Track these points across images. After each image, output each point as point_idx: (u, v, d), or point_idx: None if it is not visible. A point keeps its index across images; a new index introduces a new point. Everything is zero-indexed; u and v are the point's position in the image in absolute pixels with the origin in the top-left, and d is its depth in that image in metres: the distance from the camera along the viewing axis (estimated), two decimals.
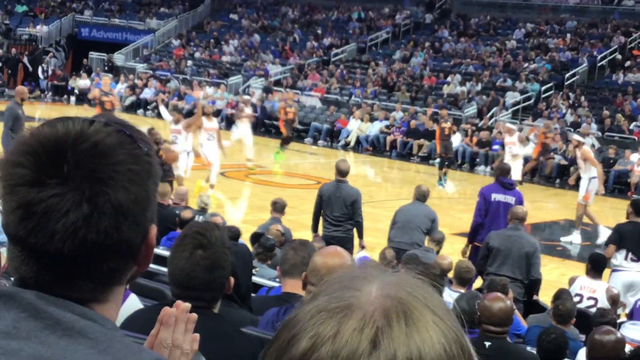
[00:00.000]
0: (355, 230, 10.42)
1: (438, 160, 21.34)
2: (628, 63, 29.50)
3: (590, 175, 15.42)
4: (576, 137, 16.88)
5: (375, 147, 26.75)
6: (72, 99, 32.96)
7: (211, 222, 3.34)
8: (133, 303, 3.38)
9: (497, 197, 10.71)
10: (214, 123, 16.52)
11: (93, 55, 36.34)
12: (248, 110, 21.32)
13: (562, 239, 13.39)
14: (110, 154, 1.22)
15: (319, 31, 36.09)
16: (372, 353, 0.88)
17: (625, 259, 10.01)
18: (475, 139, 25.21)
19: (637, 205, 10.44)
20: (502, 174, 11.03)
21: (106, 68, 35.29)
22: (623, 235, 10.05)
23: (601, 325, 5.80)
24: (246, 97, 20.81)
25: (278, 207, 10.55)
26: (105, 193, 1.20)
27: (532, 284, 9.00)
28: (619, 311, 8.73)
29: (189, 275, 2.75)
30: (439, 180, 20.30)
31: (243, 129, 20.49)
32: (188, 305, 1.79)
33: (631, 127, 24.75)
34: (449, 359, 0.89)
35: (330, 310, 0.92)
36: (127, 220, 1.23)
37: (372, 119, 27.38)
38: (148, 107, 31.20)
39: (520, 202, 10.60)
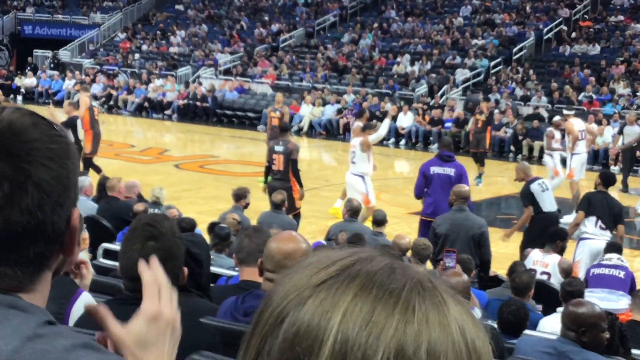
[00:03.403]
0: None
1: (471, 155, 19.11)
2: (574, 35, 29.85)
3: (574, 151, 15.59)
4: (565, 112, 17.06)
5: (328, 131, 26.75)
6: (19, 98, 32.44)
7: (160, 213, 3.29)
8: (87, 300, 3.32)
9: (435, 169, 10.84)
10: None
11: (38, 52, 35.77)
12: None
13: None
14: (26, 132, 1.21)
15: (266, 18, 35.93)
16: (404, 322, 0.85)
17: (595, 226, 10.12)
18: (427, 118, 25.34)
19: (606, 177, 10.63)
20: (442, 146, 11.21)
21: (52, 65, 34.78)
22: (592, 202, 10.18)
23: (575, 298, 5.87)
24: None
25: (234, 196, 10.50)
26: (24, 170, 1.19)
27: (483, 265, 9.07)
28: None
29: None
30: (478, 177, 17.98)
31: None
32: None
33: (580, 97, 25.06)
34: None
35: (333, 280, 0.87)
36: (50, 199, 1.21)
37: (324, 103, 27.37)
38: (97, 102, 30.80)
39: (461, 174, 10.67)
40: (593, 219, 10.12)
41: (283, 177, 12.25)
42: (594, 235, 10.10)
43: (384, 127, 13.55)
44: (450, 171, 10.75)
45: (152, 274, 1.50)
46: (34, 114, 1.27)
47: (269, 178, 12.48)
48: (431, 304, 0.86)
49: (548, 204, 10.58)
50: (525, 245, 10.20)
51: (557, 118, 16.91)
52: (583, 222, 10.13)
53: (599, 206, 10.11)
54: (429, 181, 10.83)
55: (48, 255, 1.26)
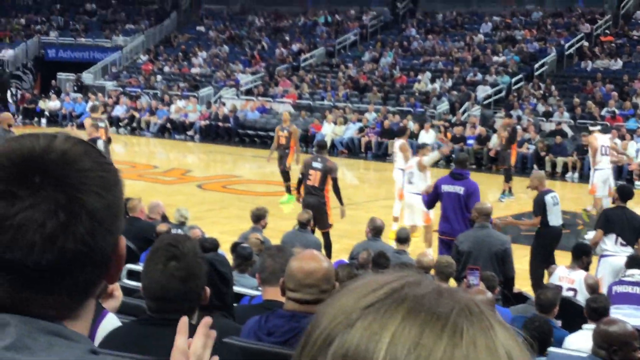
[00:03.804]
0: None
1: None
2: (596, 50, 29.73)
3: (596, 167, 15.52)
4: (591, 127, 17.04)
5: (350, 149, 26.76)
6: (43, 121, 32.76)
7: (182, 233, 3.31)
8: (111, 321, 3.34)
9: (445, 187, 10.85)
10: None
11: (61, 75, 36.14)
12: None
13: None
14: (78, 161, 1.23)
15: (287, 37, 36.10)
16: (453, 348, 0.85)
17: (615, 243, 10.05)
18: (449, 135, 25.29)
19: (623, 191, 10.56)
20: (455, 163, 11.23)
21: (75, 88, 35.10)
22: (611, 219, 10.10)
23: (600, 315, 5.82)
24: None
25: (253, 217, 10.51)
26: (79, 199, 1.20)
27: (507, 282, 9.01)
28: None
29: (164, 287, 2.73)
30: (502, 193, 18.29)
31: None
32: (209, 319, 1.78)
33: (602, 113, 24.92)
34: None
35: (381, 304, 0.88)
36: (101, 227, 1.22)
37: (346, 122, 27.41)
38: (120, 124, 31.08)
39: (470, 192, 10.65)
40: (613, 236, 10.04)
41: (317, 193, 12.35)
42: (615, 252, 10.01)
43: (436, 153, 14.09)
44: (459, 189, 10.73)
45: (183, 342, 1.54)
46: (85, 143, 1.28)
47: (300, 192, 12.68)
48: (479, 329, 0.87)
49: (555, 219, 10.68)
50: (534, 260, 10.45)
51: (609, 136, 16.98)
52: (603, 239, 10.04)
53: (618, 222, 10.02)
54: (440, 198, 10.87)
55: (95, 282, 1.27)
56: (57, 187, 1.20)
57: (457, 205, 10.53)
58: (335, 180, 12.40)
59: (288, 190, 16.65)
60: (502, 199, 17.64)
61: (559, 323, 7.08)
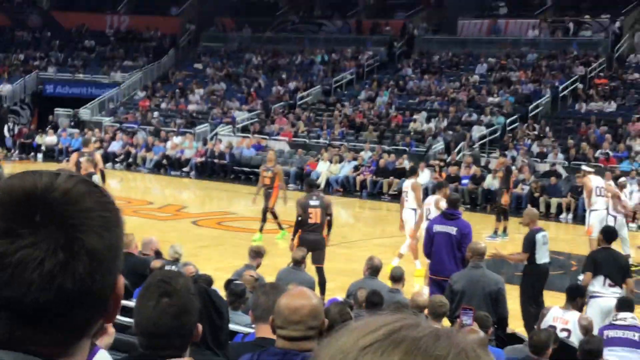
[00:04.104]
0: None
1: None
2: (590, 92, 29.95)
3: (592, 208, 15.55)
4: (584, 167, 17.06)
5: (345, 187, 26.81)
6: (39, 156, 32.79)
7: (175, 270, 3.32)
8: (104, 357, 3.34)
9: (438, 227, 10.87)
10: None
11: (59, 111, 36.23)
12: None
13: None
14: (80, 201, 1.23)
15: (284, 75, 36.31)
16: None
17: (603, 284, 10.08)
18: (444, 175, 25.35)
19: (607, 233, 10.66)
20: (447, 205, 11.26)
21: (72, 123, 35.19)
22: (597, 262, 10.15)
23: (593, 356, 5.82)
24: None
25: (252, 253, 10.52)
26: (79, 239, 1.20)
27: (500, 322, 9.01)
28: None
29: (156, 323, 2.73)
30: (494, 232, 18.54)
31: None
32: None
33: (596, 154, 25.04)
34: None
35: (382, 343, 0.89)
36: (101, 268, 1.22)
37: (341, 160, 27.48)
38: (116, 159, 31.12)
39: (464, 232, 10.68)
40: (601, 277, 10.08)
41: (318, 230, 12.68)
42: (603, 294, 10.03)
43: None
44: (452, 229, 10.75)
45: None
46: (87, 182, 1.28)
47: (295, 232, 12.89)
48: None
49: (542, 257, 10.88)
50: (523, 299, 10.76)
51: (623, 179, 16.78)
52: (591, 282, 10.07)
53: (605, 263, 10.09)
54: (432, 239, 10.86)
55: (92, 321, 1.27)
56: (58, 226, 1.20)
57: (450, 245, 10.58)
58: (331, 216, 12.94)
59: (261, 229, 16.89)
60: (492, 238, 17.62)
61: None
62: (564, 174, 24.67)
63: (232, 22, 41.96)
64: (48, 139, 33.39)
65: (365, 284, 9.52)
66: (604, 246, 10.40)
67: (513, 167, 23.84)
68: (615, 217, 15.50)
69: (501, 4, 36.85)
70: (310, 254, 11.62)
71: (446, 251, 10.56)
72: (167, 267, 8.89)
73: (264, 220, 16.85)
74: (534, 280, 10.93)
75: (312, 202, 12.78)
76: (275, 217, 16.89)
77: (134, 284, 8.87)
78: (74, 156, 16.84)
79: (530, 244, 10.83)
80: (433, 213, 13.26)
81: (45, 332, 1.22)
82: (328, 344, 0.93)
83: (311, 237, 12.49)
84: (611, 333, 8.38)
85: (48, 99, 37.38)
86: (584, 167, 17.06)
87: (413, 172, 15.57)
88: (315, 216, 12.68)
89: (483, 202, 23.97)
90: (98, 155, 16.36)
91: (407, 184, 15.01)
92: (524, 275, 11.16)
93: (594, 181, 15.89)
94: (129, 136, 32.59)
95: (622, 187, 16.43)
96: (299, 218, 12.75)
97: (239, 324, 7.16)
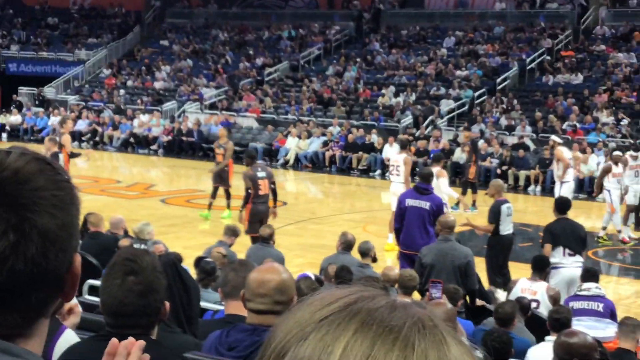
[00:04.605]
0: None
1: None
2: (557, 64, 30.11)
3: (564, 180, 15.62)
4: (553, 137, 17.11)
5: (314, 163, 26.78)
6: (4, 135, 32.37)
7: (141, 248, 3.28)
8: (69, 338, 3.29)
9: (410, 202, 10.87)
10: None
11: (23, 90, 35.77)
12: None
13: None
14: (32, 180, 1.20)
15: (251, 51, 36.09)
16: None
17: (563, 255, 10.19)
18: (413, 149, 25.38)
19: (558, 204, 10.88)
20: (420, 179, 11.26)
21: (37, 102, 34.75)
22: (555, 233, 10.27)
23: (563, 326, 5.86)
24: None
25: (227, 231, 10.50)
26: (30, 219, 1.17)
27: (470, 295, 9.06)
28: None
29: (122, 302, 2.69)
30: (456, 204, 18.15)
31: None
32: (142, 342, 1.73)
33: (564, 126, 25.20)
34: None
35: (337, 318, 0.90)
36: (54, 247, 1.20)
37: (310, 136, 27.43)
38: (83, 138, 30.81)
39: (436, 207, 10.70)
40: (560, 249, 10.19)
41: (267, 200, 13.06)
42: (564, 264, 10.14)
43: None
44: (424, 204, 10.74)
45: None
46: (40, 159, 1.25)
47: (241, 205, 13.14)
48: (431, 342, 0.88)
49: (506, 228, 11.13)
50: (489, 269, 11.07)
51: (617, 153, 16.53)
52: (552, 253, 10.16)
53: (562, 234, 10.22)
54: (404, 213, 10.85)
55: (48, 301, 1.25)
56: (8, 206, 1.17)
57: (422, 219, 10.61)
58: (274, 185, 13.32)
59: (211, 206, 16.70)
60: (454, 209, 17.57)
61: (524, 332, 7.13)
62: (532, 146, 24.82)
63: None
64: (12, 118, 32.97)
65: (338, 259, 9.53)
66: (560, 217, 10.51)
67: (481, 141, 23.96)
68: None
69: None
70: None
71: (417, 225, 10.60)
72: (135, 246, 8.82)
73: (228, 197, 16.65)
74: (497, 251, 11.18)
75: (259, 174, 13.05)
76: (228, 196, 16.63)
77: (103, 263, 8.80)
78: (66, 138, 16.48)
79: (495, 215, 11.04)
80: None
81: (1, 314, 1.19)
82: (285, 318, 0.93)
83: (263, 208, 12.90)
84: (576, 305, 8.46)
85: (11, 78, 36.85)
86: (553, 137, 17.12)
87: (404, 146, 15.16)
88: (264, 187, 13.01)
89: (452, 175, 24.06)
90: (67, 137, 16.08)
91: (399, 158, 14.54)
92: (489, 246, 11.37)
93: (566, 154, 16.00)
94: (95, 114, 32.27)
95: (619, 161, 16.04)
96: (249, 191, 12.92)
97: (209, 301, 7.12)
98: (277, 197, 13.30)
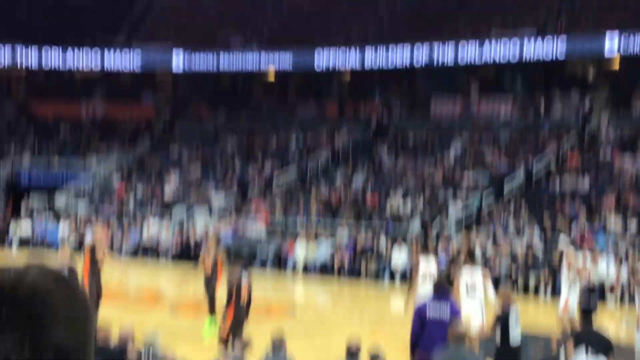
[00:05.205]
0: None
1: None
2: (563, 167, 30.23)
3: (574, 284, 15.47)
4: (563, 238, 17.07)
5: (323, 269, 26.68)
6: (14, 243, 32.45)
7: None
8: None
9: (433, 314, 10.36)
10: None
11: (34, 197, 36.01)
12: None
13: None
14: (48, 297, 1.24)
15: (259, 159, 36.42)
16: None
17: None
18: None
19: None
20: (435, 290, 10.78)
21: (47, 210, 34.94)
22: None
23: None
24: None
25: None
26: (45, 335, 1.21)
27: None
28: None
29: None
30: None
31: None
32: None
33: (572, 231, 25.13)
34: None
35: None
36: None
37: (318, 242, 27.42)
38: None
39: (454, 311, 10.48)
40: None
41: (246, 309, 13.31)
42: None
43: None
44: (445, 313, 10.34)
45: None
46: (57, 275, 1.29)
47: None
48: None
49: (515, 339, 11.01)
50: None
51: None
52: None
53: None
54: (424, 324, 10.37)
55: None
56: (24, 322, 1.20)
57: (444, 334, 9.95)
58: (250, 290, 13.50)
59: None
60: None
61: None
62: (540, 254, 24.69)
63: (206, 107, 42.24)
64: (24, 227, 33.11)
65: None
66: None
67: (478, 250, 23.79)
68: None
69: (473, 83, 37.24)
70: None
71: (442, 340, 9.85)
72: (143, 355, 8.75)
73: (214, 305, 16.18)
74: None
75: (243, 281, 13.07)
76: (212, 303, 16.16)
77: None
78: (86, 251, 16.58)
79: (503, 321, 10.99)
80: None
81: None
82: None
83: (243, 318, 12.92)
84: None
85: (23, 186, 37.22)
86: (562, 239, 17.07)
87: (472, 257, 14.33)
88: (244, 295, 13.08)
89: None
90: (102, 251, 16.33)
91: (476, 273, 13.55)
92: (499, 356, 11.24)
93: (574, 258, 16.01)
94: (105, 223, 32.38)
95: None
96: (234, 294, 12.87)
97: None
98: (250, 302, 13.36)
